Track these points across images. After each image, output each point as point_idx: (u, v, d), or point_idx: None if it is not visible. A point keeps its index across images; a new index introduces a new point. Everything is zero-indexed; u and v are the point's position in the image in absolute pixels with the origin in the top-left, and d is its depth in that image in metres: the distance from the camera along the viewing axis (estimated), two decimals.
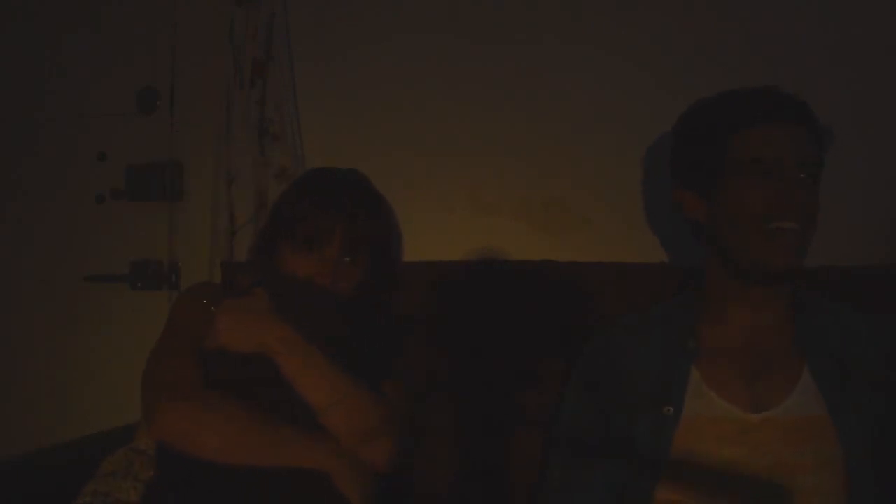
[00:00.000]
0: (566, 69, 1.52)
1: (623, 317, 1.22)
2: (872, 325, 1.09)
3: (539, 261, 1.40)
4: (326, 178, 1.29)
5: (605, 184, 1.50)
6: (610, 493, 1.09)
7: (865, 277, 1.26)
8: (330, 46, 1.66)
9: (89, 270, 1.82)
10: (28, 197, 1.90)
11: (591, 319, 1.28)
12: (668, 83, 1.45)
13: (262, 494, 1.06)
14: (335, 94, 1.65)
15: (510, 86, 1.55)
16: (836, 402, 1.01)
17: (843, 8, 1.40)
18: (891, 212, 1.39)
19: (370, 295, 1.25)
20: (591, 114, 1.51)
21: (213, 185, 1.64)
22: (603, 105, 1.50)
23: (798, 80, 1.15)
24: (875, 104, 1.39)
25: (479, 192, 1.57)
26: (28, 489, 1.22)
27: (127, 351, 1.73)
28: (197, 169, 1.76)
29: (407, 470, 1.19)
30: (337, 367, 1.12)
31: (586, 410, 1.15)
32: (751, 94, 1.10)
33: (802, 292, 1.13)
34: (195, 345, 1.15)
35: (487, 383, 1.33)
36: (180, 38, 1.78)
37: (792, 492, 0.98)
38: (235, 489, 1.06)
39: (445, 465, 1.30)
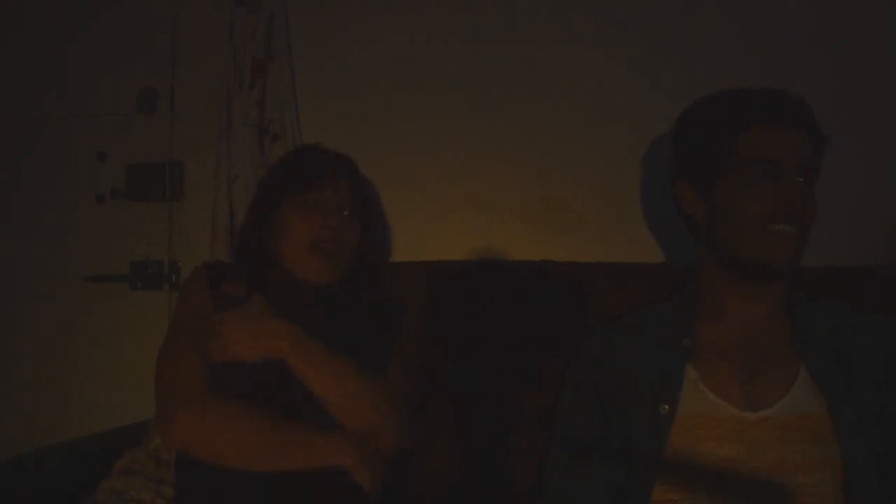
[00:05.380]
0: (566, 69, 1.52)
1: (620, 317, 1.22)
2: (872, 325, 1.09)
3: (539, 261, 1.40)
4: (310, 148, 1.34)
5: (605, 184, 1.50)
6: (609, 492, 1.09)
7: (865, 277, 1.26)
8: (330, 46, 1.66)
9: (89, 270, 1.82)
10: (28, 197, 1.90)
11: (590, 319, 1.28)
12: (668, 84, 1.45)
13: (283, 494, 1.07)
14: (335, 94, 1.65)
15: (510, 86, 1.55)
16: (835, 399, 1.01)
17: (843, 8, 1.40)
18: (891, 212, 1.39)
19: (361, 273, 1.29)
20: (590, 114, 1.51)
21: (213, 185, 1.63)
22: (602, 105, 1.50)
23: (798, 80, 1.15)
24: (876, 104, 1.39)
25: (479, 192, 1.57)
26: (28, 489, 1.22)
27: (127, 351, 1.75)
28: (197, 169, 1.76)
29: (409, 451, 1.20)
30: (344, 359, 1.15)
31: (584, 410, 1.15)
32: (755, 95, 1.10)
33: (797, 291, 1.13)
34: (201, 346, 1.15)
35: (487, 383, 1.33)
36: (180, 38, 1.78)
37: (791, 490, 0.98)
38: (256, 491, 1.07)
39: (445, 465, 1.30)
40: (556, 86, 1.53)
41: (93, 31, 1.85)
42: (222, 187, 1.62)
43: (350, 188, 1.26)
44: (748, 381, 1.05)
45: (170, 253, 1.79)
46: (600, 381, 1.15)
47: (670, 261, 1.44)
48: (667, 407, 1.05)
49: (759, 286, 1.10)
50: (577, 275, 1.35)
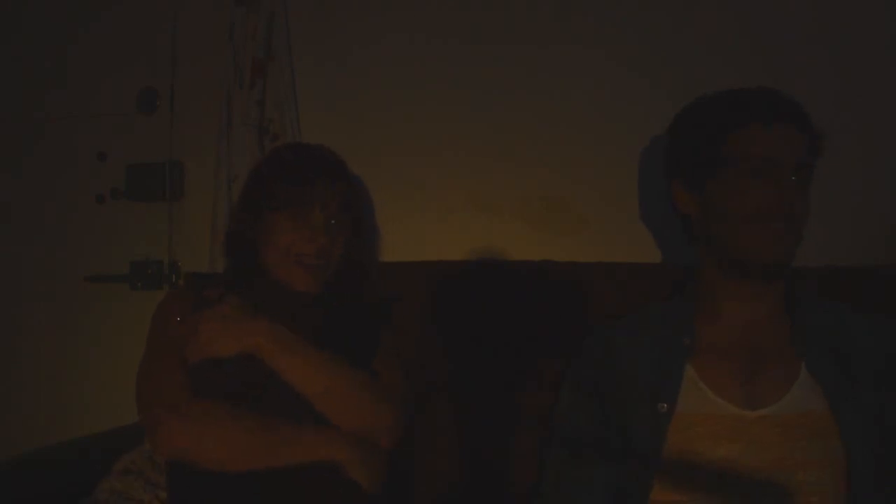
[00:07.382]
0: (566, 69, 1.52)
1: (620, 317, 1.22)
2: (872, 325, 1.09)
3: (539, 261, 1.40)
4: (299, 150, 1.32)
5: (605, 184, 1.50)
6: (608, 491, 1.09)
7: (865, 277, 1.26)
8: (330, 46, 1.66)
9: (89, 270, 1.82)
10: (28, 197, 1.90)
11: (590, 319, 1.28)
12: (668, 84, 1.45)
13: (276, 492, 1.07)
14: (335, 94, 1.65)
15: (509, 86, 1.55)
16: (838, 397, 1.01)
17: (843, 8, 1.40)
18: (891, 212, 1.39)
19: (348, 275, 1.27)
20: (590, 114, 1.51)
21: (213, 185, 1.63)
22: (602, 105, 1.51)
23: (798, 80, 1.15)
24: (876, 104, 1.39)
25: (479, 192, 1.57)
26: (28, 489, 1.22)
27: (127, 351, 1.73)
28: (197, 169, 1.76)
29: (408, 445, 1.20)
30: (328, 355, 1.14)
31: (583, 409, 1.15)
32: (750, 94, 1.10)
33: (797, 290, 1.13)
34: (179, 355, 1.15)
35: (487, 383, 1.33)
36: (180, 39, 1.78)
37: (791, 489, 0.98)
38: (250, 491, 1.07)
39: (446, 464, 1.30)
40: (556, 86, 1.53)
41: (93, 31, 1.85)
42: (222, 187, 1.62)
43: (338, 197, 1.22)
44: (748, 381, 1.05)
45: (170, 253, 1.78)
46: (600, 381, 1.15)
47: (670, 261, 1.44)
48: (665, 405, 1.05)
49: (758, 286, 1.10)
50: (577, 275, 1.35)
